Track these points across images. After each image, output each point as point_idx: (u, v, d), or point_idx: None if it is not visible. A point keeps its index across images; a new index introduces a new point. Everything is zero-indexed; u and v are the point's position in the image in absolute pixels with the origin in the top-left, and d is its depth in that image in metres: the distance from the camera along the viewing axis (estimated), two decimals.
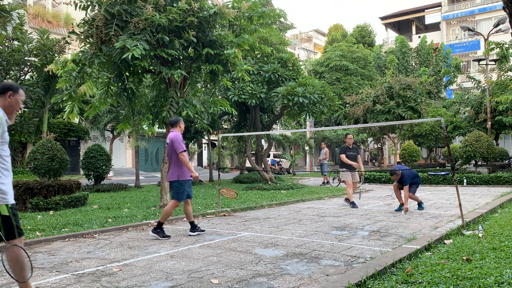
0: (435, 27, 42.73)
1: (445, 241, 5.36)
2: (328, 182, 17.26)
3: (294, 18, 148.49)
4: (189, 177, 6.38)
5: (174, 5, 8.26)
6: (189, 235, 6.30)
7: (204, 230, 6.52)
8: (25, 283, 3.17)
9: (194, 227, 6.43)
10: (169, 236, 6.18)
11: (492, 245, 4.91)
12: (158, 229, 6.16)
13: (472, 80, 21.55)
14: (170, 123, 6.64)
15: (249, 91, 14.81)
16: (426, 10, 42.28)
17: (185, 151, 6.28)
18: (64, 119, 10.40)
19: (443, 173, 16.47)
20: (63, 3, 29.30)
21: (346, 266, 4.40)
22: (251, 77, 14.92)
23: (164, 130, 9.96)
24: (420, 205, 9.05)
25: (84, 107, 10.71)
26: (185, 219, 8.02)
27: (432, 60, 32.97)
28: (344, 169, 9.86)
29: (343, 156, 9.78)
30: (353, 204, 9.70)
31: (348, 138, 10.07)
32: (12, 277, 3.14)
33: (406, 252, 4.60)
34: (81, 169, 15.20)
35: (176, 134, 6.37)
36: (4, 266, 3.21)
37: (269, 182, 15.38)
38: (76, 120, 21.04)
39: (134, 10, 8.13)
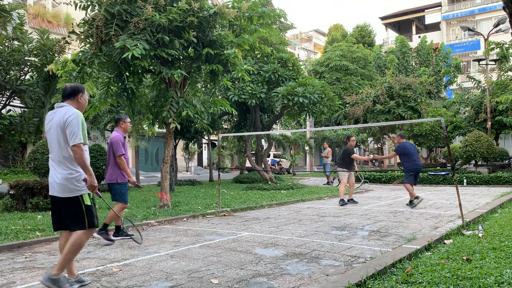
0: (435, 27, 42.73)
1: (445, 241, 5.36)
2: (330, 182, 17.26)
3: (294, 18, 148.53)
4: (126, 180, 6.09)
5: (174, 5, 8.26)
6: (112, 240, 5.87)
7: (132, 235, 6.01)
8: (68, 266, 3.63)
9: (118, 231, 6.05)
10: (113, 241, 5.86)
11: (492, 245, 4.91)
12: (120, 231, 6.02)
13: (472, 80, 21.55)
14: (115, 120, 6.34)
15: (249, 91, 14.81)
16: (426, 10, 42.27)
17: (123, 154, 5.98)
18: None
19: (443, 173, 16.47)
20: (63, 3, 29.29)
21: (346, 266, 4.40)
22: (251, 77, 14.92)
23: (164, 130, 9.95)
24: (411, 202, 9.36)
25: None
26: (185, 219, 8.02)
27: (432, 60, 32.95)
28: (344, 169, 10.17)
29: (355, 156, 10.27)
30: (342, 201, 10.08)
31: (352, 140, 10.44)
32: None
33: (406, 252, 4.60)
34: None
35: (117, 135, 6.06)
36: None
37: (269, 182, 15.38)
38: None
39: (134, 10, 8.13)
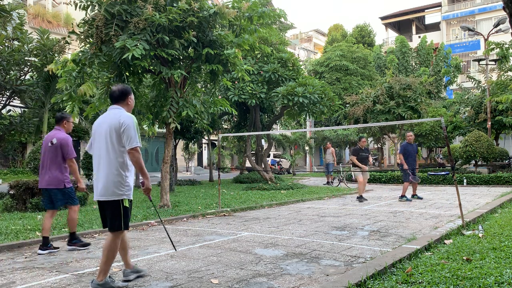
0: (435, 27, 42.73)
1: (445, 241, 5.36)
2: (330, 182, 17.27)
3: (294, 18, 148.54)
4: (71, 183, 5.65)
5: (174, 5, 8.26)
6: (39, 254, 5.25)
7: (58, 248, 5.49)
8: (108, 267, 3.62)
9: (46, 244, 5.35)
10: (88, 244, 5.58)
11: (492, 245, 4.91)
12: (74, 240, 5.52)
13: (472, 80, 21.55)
14: (55, 118, 5.75)
15: (249, 91, 14.81)
16: (426, 10, 42.27)
17: (74, 157, 5.54)
18: None
19: (443, 173, 16.47)
20: (63, 3, 29.29)
21: (346, 266, 4.40)
22: (251, 77, 14.92)
23: (164, 130, 9.95)
24: (402, 197, 10.76)
25: (84, 107, 10.71)
26: (185, 219, 8.02)
27: (432, 60, 32.95)
28: (357, 169, 11.04)
29: (353, 158, 10.86)
30: (360, 198, 10.78)
31: (362, 141, 11.00)
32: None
33: (406, 252, 4.59)
34: (81, 169, 15.20)
35: (66, 136, 5.57)
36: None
37: (269, 182, 15.38)
38: (76, 120, 21.03)
39: (134, 10, 8.13)
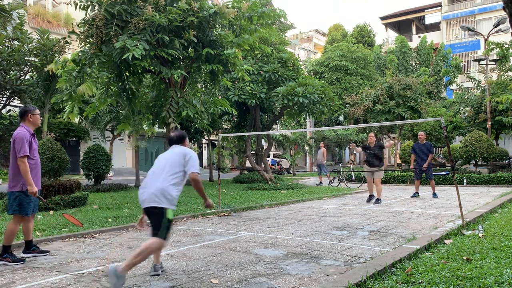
0: (435, 27, 42.72)
1: (445, 241, 5.36)
2: (331, 182, 17.28)
3: (294, 18, 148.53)
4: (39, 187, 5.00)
5: (174, 5, 8.27)
6: (19, 261, 4.78)
7: (47, 251, 5.19)
8: (133, 265, 3.83)
9: (29, 247, 5.10)
10: (23, 260, 4.80)
11: (492, 245, 4.91)
12: (5, 254, 4.78)
13: (472, 80, 21.54)
14: (18, 114, 5.20)
15: (249, 91, 14.80)
16: (426, 10, 42.26)
17: (26, 156, 4.78)
18: (64, 119, 10.41)
19: (443, 173, 16.47)
20: (63, 3, 29.30)
21: (346, 266, 4.40)
22: (251, 77, 14.92)
23: (164, 130, 9.96)
24: (417, 194, 11.57)
25: (84, 107, 10.71)
26: (185, 218, 8.02)
27: (432, 60, 32.95)
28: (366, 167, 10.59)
29: (355, 148, 10.72)
30: (369, 198, 10.52)
31: (369, 137, 10.43)
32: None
33: (406, 252, 4.60)
34: (81, 169, 15.20)
35: (22, 132, 4.86)
36: None
37: (269, 182, 15.37)
38: (76, 120, 21.05)
39: (134, 10, 8.13)
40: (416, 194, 11.66)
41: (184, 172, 4.16)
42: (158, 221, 3.95)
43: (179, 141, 4.53)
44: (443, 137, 22.13)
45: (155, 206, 3.96)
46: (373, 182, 10.40)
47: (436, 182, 16.26)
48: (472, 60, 31.02)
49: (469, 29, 19.77)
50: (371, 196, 10.52)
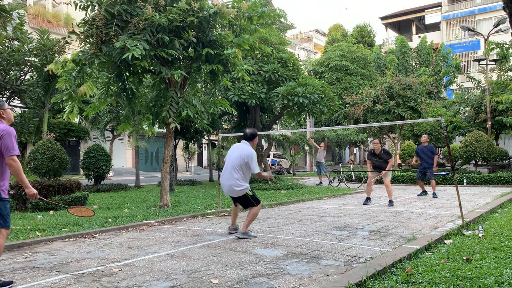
0: (435, 27, 42.73)
1: (445, 241, 5.36)
2: (331, 181, 17.28)
3: (294, 18, 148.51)
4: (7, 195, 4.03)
5: (174, 5, 8.25)
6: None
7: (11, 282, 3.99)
8: (246, 228, 6.05)
9: None
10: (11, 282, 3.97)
11: (492, 245, 4.91)
12: None
13: (472, 80, 21.54)
14: None
15: (249, 91, 14.80)
16: (426, 10, 42.26)
17: (17, 155, 3.97)
18: (64, 119, 10.39)
19: (443, 173, 16.47)
20: (63, 3, 29.28)
21: (346, 266, 4.40)
22: (251, 77, 14.91)
23: (164, 130, 9.95)
24: (424, 192, 12.15)
25: (84, 107, 10.71)
26: (185, 219, 8.02)
27: (432, 60, 32.94)
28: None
29: (367, 163, 10.34)
30: (366, 201, 10.38)
31: (374, 144, 10.03)
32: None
33: (406, 252, 4.60)
34: (81, 169, 15.20)
35: (7, 127, 4.01)
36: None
37: (269, 182, 15.38)
38: (76, 120, 21.03)
39: (134, 10, 8.12)
40: (423, 193, 12.17)
41: None
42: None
43: (250, 139, 6.30)
44: (443, 137, 22.14)
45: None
46: (372, 184, 10.47)
47: (436, 182, 16.25)
48: (472, 60, 31.02)
49: (469, 29, 19.77)
50: (367, 199, 10.35)
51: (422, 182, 12.26)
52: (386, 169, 9.80)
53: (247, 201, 6.01)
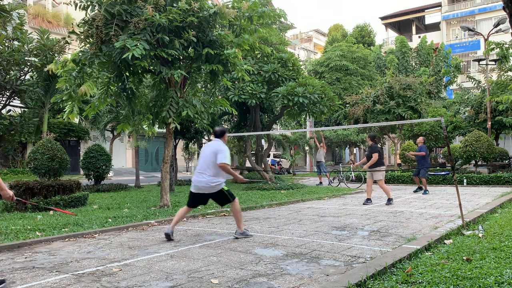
0: (435, 27, 42.73)
1: (445, 241, 5.36)
2: (331, 181, 17.28)
3: (294, 18, 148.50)
4: None
5: (174, 5, 8.26)
6: None
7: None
8: (241, 228, 6.19)
9: None
10: None
11: (492, 245, 4.91)
12: None
13: (472, 80, 21.54)
14: None
15: (249, 91, 14.80)
16: (426, 10, 42.26)
17: None
18: (64, 119, 10.40)
19: (443, 173, 16.47)
20: (63, 3, 29.28)
21: (346, 266, 4.40)
22: (251, 77, 14.91)
23: (164, 130, 9.95)
24: (422, 190, 12.73)
25: (84, 107, 10.71)
26: (185, 219, 8.01)
27: (432, 60, 32.93)
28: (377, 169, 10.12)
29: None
30: (366, 201, 10.38)
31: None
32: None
33: (406, 252, 4.59)
34: (81, 169, 15.20)
35: None
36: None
37: (269, 182, 15.38)
38: (76, 120, 21.05)
39: (134, 10, 8.12)
40: (418, 189, 13.16)
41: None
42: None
43: (220, 135, 6.23)
44: (443, 137, 22.13)
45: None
46: (371, 184, 10.47)
47: (436, 182, 16.30)
48: (472, 60, 31.02)
49: (469, 29, 19.77)
50: (368, 199, 10.35)
51: (417, 178, 13.27)
52: (367, 165, 9.96)
53: (223, 197, 6.09)
